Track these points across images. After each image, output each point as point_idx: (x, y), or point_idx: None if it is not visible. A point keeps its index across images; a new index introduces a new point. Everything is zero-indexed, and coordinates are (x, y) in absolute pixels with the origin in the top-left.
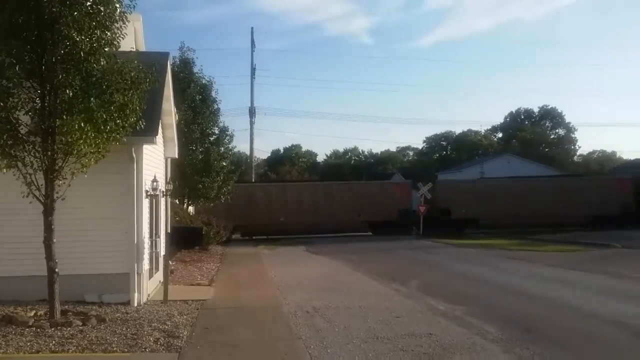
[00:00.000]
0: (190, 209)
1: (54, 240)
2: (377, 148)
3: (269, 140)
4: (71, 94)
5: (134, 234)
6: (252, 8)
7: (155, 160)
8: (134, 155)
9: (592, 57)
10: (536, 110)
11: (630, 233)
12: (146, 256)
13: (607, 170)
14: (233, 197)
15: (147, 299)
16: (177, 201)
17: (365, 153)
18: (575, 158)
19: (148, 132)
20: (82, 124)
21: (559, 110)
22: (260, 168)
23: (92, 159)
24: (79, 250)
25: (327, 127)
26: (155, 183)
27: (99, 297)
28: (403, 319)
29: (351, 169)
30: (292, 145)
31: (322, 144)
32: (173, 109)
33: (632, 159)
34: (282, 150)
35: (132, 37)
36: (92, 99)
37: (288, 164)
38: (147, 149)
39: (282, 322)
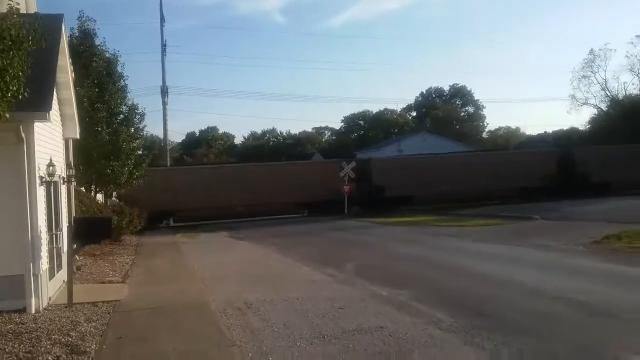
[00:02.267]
0: (99, 196)
1: None
2: (295, 128)
3: (183, 122)
4: None
5: (27, 228)
6: None
7: (51, 141)
8: (22, 134)
9: (495, 34)
10: (447, 88)
11: (551, 205)
12: (44, 253)
13: (512, 145)
14: (150, 183)
15: (49, 303)
16: (83, 189)
17: (284, 134)
18: (483, 134)
19: (39, 106)
20: None
21: (468, 89)
22: (175, 152)
23: None
24: None
25: (244, 107)
26: (52, 168)
27: None
28: (347, 311)
29: (270, 150)
30: (208, 128)
31: (238, 126)
32: (71, 82)
33: (534, 134)
34: (197, 133)
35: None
36: None
37: (204, 146)
38: (39, 127)
39: (212, 323)
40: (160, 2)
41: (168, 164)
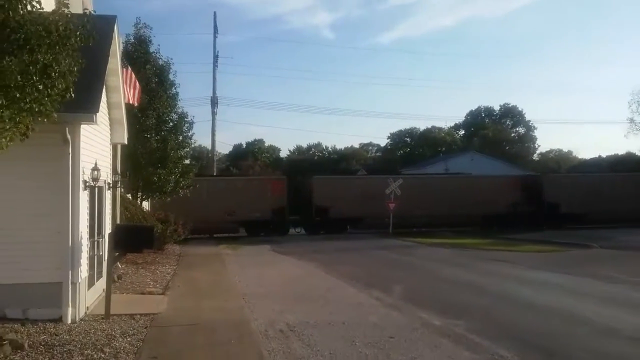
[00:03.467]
0: (145, 204)
1: None
2: (341, 144)
3: (231, 134)
4: None
5: (68, 234)
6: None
7: (98, 145)
8: (68, 136)
9: (550, 54)
10: (497, 108)
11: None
12: (84, 261)
13: (564, 169)
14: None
15: (86, 313)
16: (129, 196)
17: (329, 149)
18: (534, 156)
19: (87, 107)
20: None
21: (519, 109)
22: (222, 163)
23: (7, 137)
24: None
25: (291, 120)
26: (96, 172)
27: (23, 312)
28: (398, 341)
29: (315, 164)
30: (255, 140)
31: (285, 139)
32: (122, 87)
33: (588, 157)
34: (244, 145)
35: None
36: (5, 56)
37: (251, 158)
38: (86, 129)
39: (252, 346)
40: (215, 13)
41: (214, 174)
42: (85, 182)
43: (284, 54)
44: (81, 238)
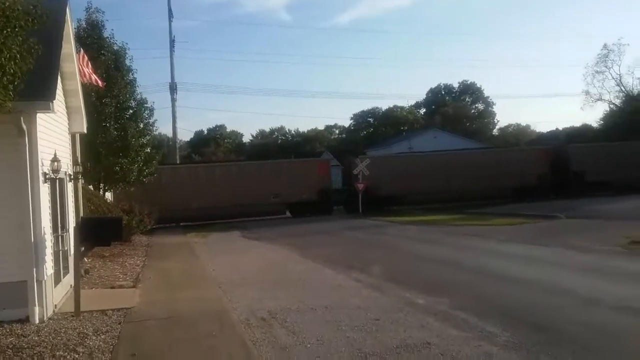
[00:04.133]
0: (108, 195)
1: None
2: (304, 126)
3: (192, 121)
4: None
5: (29, 229)
6: None
7: (56, 135)
8: (24, 126)
9: (506, 30)
10: (456, 85)
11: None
12: (49, 257)
13: (523, 142)
14: (157, 181)
15: (54, 311)
16: (91, 187)
17: (292, 132)
18: (494, 132)
19: (43, 95)
20: None
21: (478, 85)
22: (183, 150)
23: None
24: None
25: (252, 105)
26: (56, 163)
27: None
28: (385, 323)
29: (278, 148)
30: (217, 126)
31: (247, 124)
32: (77, 72)
33: (545, 131)
34: (205, 131)
35: None
36: None
37: (213, 145)
38: (43, 118)
39: (235, 337)
40: None
41: (177, 162)
42: (45, 174)
43: (241, 38)
44: (44, 233)
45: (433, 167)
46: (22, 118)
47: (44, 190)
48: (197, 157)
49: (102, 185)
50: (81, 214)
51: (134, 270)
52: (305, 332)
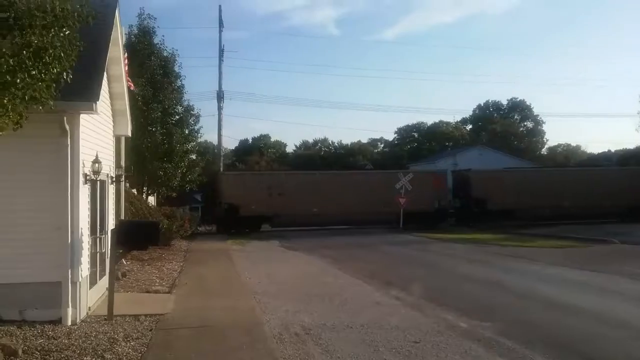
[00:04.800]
0: (151, 199)
1: None
2: (347, 139)
3: (237, 130)
4: None
5: (67, 230)
6: None
7: (99, 137)
8: (66, 126)
9: (557, 47)
10: (505, 102)
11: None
12: (85, 258)
13: (572, 163)
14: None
15: (87, 313)
16: (134, 191)
17: (335, 144)
18: (542, 151)
19: (86, 96)
20: None
21: (527, 103)
22: (227, 159)
23: (2, 127)
24: None
25: (297, 115)
26: (97, 165)
27: (20, 313)
28: (424, 346)
29: (321, 160)
30: (261, 136)
31: (291, 134)
32: (124, 75)
33: (596, 152)
34: (250, 140)
35: None
36: None
37: (257, 154)
38: (86, 119)
39: (266, 353)
40: (220, 7)
41: (221, 170)
42: (85, 175)
43: (289, 50)
44: (81, 234)
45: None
46: (65, 118)
47: (84, 191)
48: (241, 166)
49: (145, 189)
50: (122, 217)
51: (170, 275)
52: (339, 352)
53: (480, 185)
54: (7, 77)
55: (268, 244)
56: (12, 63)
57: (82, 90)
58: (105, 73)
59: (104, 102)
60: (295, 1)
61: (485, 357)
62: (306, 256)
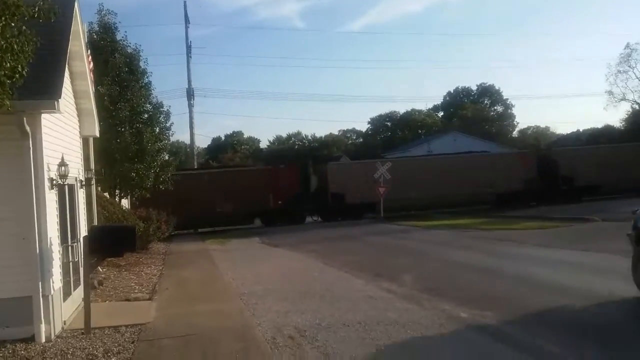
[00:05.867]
0: (125, 202)
1: None
2: (321, 131)
3: (209, 128)
4: None
5: (34, 240)
6: None
7: (64, 138)
8: (27, 128)
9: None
10: (474, 87)
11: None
12: (57, 269)
13: (543, 144)
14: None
15: (63, 328)
16: (107, 194)
17: (309, 137)
18: (513, 134)
19: (47, 93)
20: None
21: (497, 87)
22: (201, 157)
23: None
24: None
25: (268, 110)
26: (63, 168)
27: None
28: (428, 341)
29: (295, 153)
30: (234, 132)
31: (264, 130)
32: (88, 72)
33: (567, 132)
34: (223, 138)
35: None
36: None
37: (230, 151)
38: (48, 120)
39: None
40: (185, 3)
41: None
42: (51, 179)
43: (256, 44)
44: (51, 244)
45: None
46: (25, 119)
47: (51, 197)
48: (214, 164)
49: (118, 191)
50: (95, 222)
51: (150, 281)
52: (340, 354)
53: (565, 163)
54: None
55: (248, 241)
56: None
57: (42, 87)
58: (67, 69)
59: (67, 100)
60: None
61: (495, 350)
62: (289, 252)
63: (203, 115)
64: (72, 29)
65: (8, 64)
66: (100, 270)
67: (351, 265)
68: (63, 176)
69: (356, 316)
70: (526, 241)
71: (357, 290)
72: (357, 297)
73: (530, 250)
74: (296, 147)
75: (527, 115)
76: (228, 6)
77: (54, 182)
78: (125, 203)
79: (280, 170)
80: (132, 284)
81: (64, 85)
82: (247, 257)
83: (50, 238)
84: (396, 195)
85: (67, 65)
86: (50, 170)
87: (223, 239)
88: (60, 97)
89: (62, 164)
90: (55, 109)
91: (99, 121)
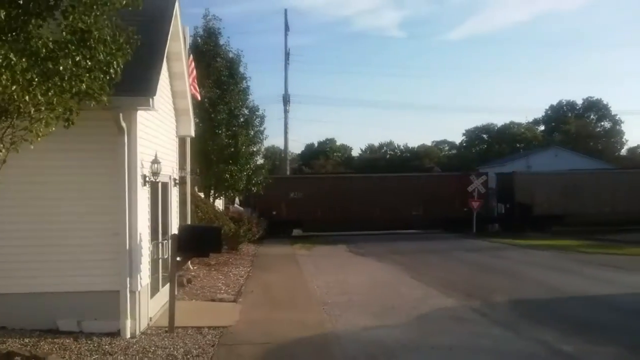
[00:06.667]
0: (219, 202)
1: None
2: (413, 142)
3: (303, 134)
4: None
5: (125, 235)
6: (280, 4)
7: (159, 136)
8: (123, 124)
9: (632, 42)
10: (579, 102)
11: None
12: (145, 266)
13: None
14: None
15: (149, 324)
16: (201, 194)
17: (401, 147)
18: (622, 152)
19: (143, 90)
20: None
21: (604, 102)
22: (294, 163)
23: (43, 123)
24: (48, 258)
25: (363, 118)
26: (156, 165)
27: (77, 324)
28: None
29: (387, 163)
30: (327, 139)
31: (357, 138)
32: (186, 73)
33: None
34: (316, 144)
35: None
36: (31, 19)
37: (322, 158)
38: (144, 117)
39: None
40: (285, 10)
41: (287, 174)
42: (144, 176)
43: (354, 54)
44: (140, 240)
45: None
46: (121, 115)
47: (143, 194)
48: (307, 170)
49: (212, 192)
50: (188, 221)
51: (237, 282)
52: None
53: None
54: (49, 64)
55: (335, 248)
56: (51, 47)
57: (138, 84)
58: (165, 69)
59: (164, 99)
60: (359, 5)
61: None
62: (376, 263)
63: (298, 121)
64: (171, 29)
65: (101, 55)
66: (191, 268)
67: (441, 281)
68: (156, 173)
69: (446, 340)
70: (631, 269)
71: (446, 310)
72: (447, 318)
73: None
74: (388, 156)
75: (637, 133)
76: (329, 16)
77: (147, 178)
78: (219, 203)
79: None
80: (220, 284)
81: (160, 84)
82: (333, 265)
83: (140, 234)
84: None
85: (164, 65)
86: (144, 167)
87: (310, 245)
88: (155, 95)
89: (156, 161)
90: (150, 106)
91: (199, 123)
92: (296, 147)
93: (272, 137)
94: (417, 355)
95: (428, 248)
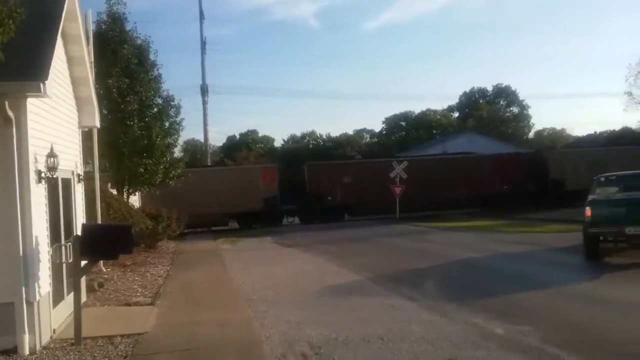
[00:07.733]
0: (134, 198)
1: None
2: (335, 131)
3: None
4: None
5: (17, 239)
6: None
7: (56, 127)
8: (10, 113)
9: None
10: (490, 88)
11: None
12: (45, 272)
13: (559, 146)
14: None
15: (52, 337)
16: (114, 191)
17: (323, 136)
18: (529, 135)
19: (32, 74)
20: None
21: (513, 88)
22: (216, 155)
23: None
24: None
25: (284, 109)
26: (53, 160)
27: None
28: None
29: (309, 153)
30: (249, 131)
31: (279, 129)
32: (88, 59)
33: (583, 134)
34: (237, 136)
35: None
36: None
37: (245, 149)
38: (36, 105)
39: None
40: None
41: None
42: (39, 172)
43: (271, 44)
44: (37, 244)
45: None
46: (6, 103)
47: (38, 191)
48: (230, 162)
49: (126, 187)
50: (99, 220)
51: (155, 283)
52: None
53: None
54: None
55: (260, 241)
56: None
57: (27, 68)
58: (63, 52)
59: (61, 85)
60: None
61: None
62: (303, 253)
63: (219, 112)
64: (66, 6)
65: None
66: (104, 270)
67: (369, 269)
68: (53, 168)
69: (377, 329)
70: (555, 245)
71: (376, 298)
72: (377, 306)
73: (557, 257)
74: (310, 146)
75: (543, 117)
76: (244, 5)
77: (43, 174)
78: (134, 199)
79: (505, 158)
80: (135, 286)
81: (55, 69)
82: (259, 258)
83: (36, 237)
84: None
85: (61, 48)
86: (38, 162)
87: (234, 238)
88: (47, 80)
89: (52, 154)
90: (41, 92)
91: (107, 114)
92: (218, 139)
93: (193, 131)
94: (347, 349)
95: (353, 236)
